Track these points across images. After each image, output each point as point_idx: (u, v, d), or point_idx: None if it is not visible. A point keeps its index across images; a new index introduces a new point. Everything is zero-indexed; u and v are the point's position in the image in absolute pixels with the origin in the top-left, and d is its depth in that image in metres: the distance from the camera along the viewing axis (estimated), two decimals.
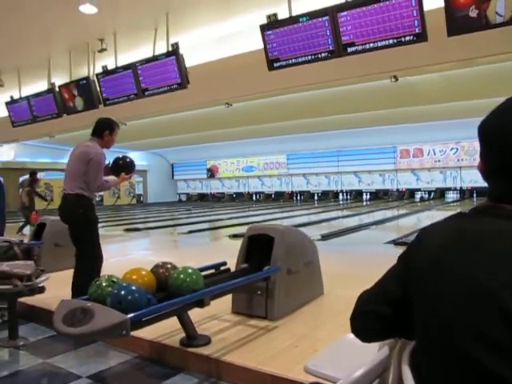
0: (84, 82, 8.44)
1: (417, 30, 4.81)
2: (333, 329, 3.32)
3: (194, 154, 25.20)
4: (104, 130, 4.10)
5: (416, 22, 4.78)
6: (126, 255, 7.52)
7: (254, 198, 26.52)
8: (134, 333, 2.45)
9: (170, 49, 7.05)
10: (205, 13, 6.99)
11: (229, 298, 3.63)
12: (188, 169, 28.11)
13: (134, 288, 2.50)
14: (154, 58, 7.24)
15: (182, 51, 6.98)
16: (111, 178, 4.21)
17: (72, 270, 4.09)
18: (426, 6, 4.76)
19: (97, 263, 3.99)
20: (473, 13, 4.47)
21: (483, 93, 9.95)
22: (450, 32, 4.61)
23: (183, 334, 3.08)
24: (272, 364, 2.74)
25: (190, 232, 10.60)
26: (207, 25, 7.34)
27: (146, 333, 2.94)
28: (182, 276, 2.85)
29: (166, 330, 3.22)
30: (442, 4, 4.61)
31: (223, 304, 3.56)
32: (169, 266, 3.01)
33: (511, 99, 0.96)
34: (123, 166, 4.26)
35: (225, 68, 7.71)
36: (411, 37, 4.87)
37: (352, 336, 1.55)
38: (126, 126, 12.31)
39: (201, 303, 2.87)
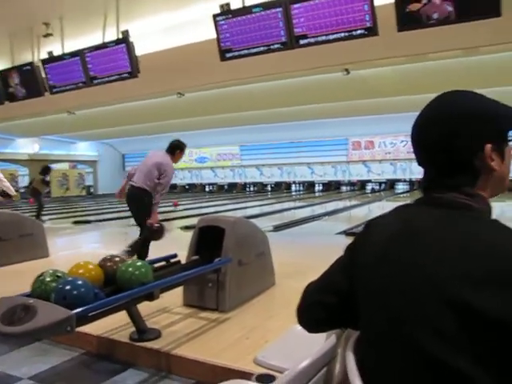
0: (28, 68, 8.02)
1: (368, 24, 4.89)
2: (284, 319, 3.34)
3: (146, 144, 24.62)
4: (176, 150, 5.27)
5: (367, 16, 4.86)
6: (74, 249, 7.28)
7: (206, 189, 26.37)
8: (80, 328, 2.38)
9: (121, 36, 6.84)
10: (157, 0, 6.83)
11: (180, 290, 3.60)
12: (140, 159, 27.46)
13: (79, 282, 2.41)
14: (104, 46, 7.00)
15: (132, 39, 6.78)
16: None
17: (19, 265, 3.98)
18: (377, 1, 4.83)
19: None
20: (422, 9, 4.58)
21: (433, 87, 10.23)
22: (399, 27, 4.71)
23: (133, 329, 3.02)
24: (223, 356, 2.73)
25: None
26: (159, 12, 7.16)
27: (94, 328, 2.85)
28: (130, 269, 2.78)
29: (114, 325, 3.15)
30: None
31: (174, 297, 3.52)
32: (117, 259, 2.94)
33: (430, 103, 1.03)
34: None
35: (177, 57, 7.56)
36: (362, 30, 4.95)
37: (300, 327, 1.55)
38: (74, 115, 11.95)
39: (150, 296, 2.82)
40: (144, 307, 3.04)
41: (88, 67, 7.20)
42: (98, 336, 3.11)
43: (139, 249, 4.87)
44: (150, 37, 7.46)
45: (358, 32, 4.95)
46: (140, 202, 4.98)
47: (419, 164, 1.05)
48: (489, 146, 0.95)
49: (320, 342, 1.33)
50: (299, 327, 1.26)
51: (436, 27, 4.69)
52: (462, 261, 0.83)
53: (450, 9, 4.49)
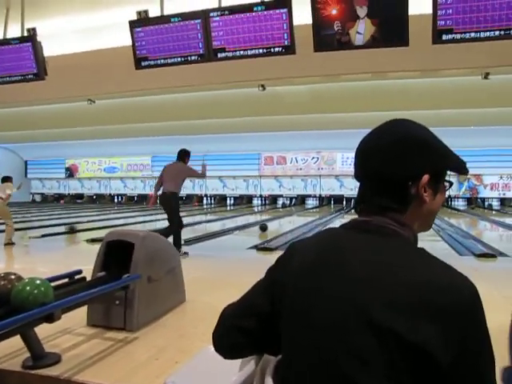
0: None
1: (286, 43, 4.97)
2: (195, 338, 3.25)
3: (52, 151, 23.40)
4: (185, 157, 7.50)
5: (285, 34, 4.94)
6: None
7: (115, 199, 25.46)
8: None
9: (26, 34, 6.38)
10: (70, 0, 6.48)
11: (84, 309, 3.34)
12: (44, 167, 26.00)
13: None
14: (5, 42, 6.48)
15: (40, 38, 6.35)
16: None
17: None
18: (296, 21, 4.95)
19: (178, 227, 7.13)
20: (338, 32, 4.76)
21: (345, 107, 10.77)
22: (316, 48, 4.85)
23: (27, 354, 2.73)
24: (131, 380, 2.56)
25: (44, 236, 9.76)
26: (72, 13, 6.79)
27: None
28: (28, 288, 2.53)
29: (3, 352, 2.78)
30: (310, 20, 4.84)
31: (77, 316, 3.27)
32: (12, 276, 2.66)
33: (373, 130, 1.04)
34: None
35: (90, 62, 7.21)
36: (280, 48, 5.02)
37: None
38: None
39: (50, 318, 2.57)
40: (42, 329, 2.77)
41: None
42: None
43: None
44: (60, 38, 7.04)
45: (276, 49, 5.02)
46: (170, 204, 7.05)
47: (356, 177, 1.04)
48: (426, 177, 0.95)
49: (234, 366, 1.27)
50: (212, 348, 1.20)
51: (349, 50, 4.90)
52: (387, 289, 0.83)
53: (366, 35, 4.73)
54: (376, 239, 0.93)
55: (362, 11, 4.71)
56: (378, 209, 0.97)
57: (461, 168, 1.03)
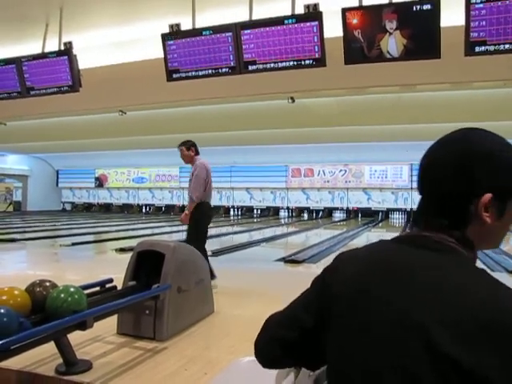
0: None
1: (316, 55, 4.97)
2: (223, 350, 3.24)
3: (82, 161, 23.87)
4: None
5: (316, 47, 4.94)
6: None
7: (143, 210, 25.77)
8: None
9: (63, 47, 6.57)
10: (104, 14, 6.65)
11: (114, 317, 3.38)
12: (74, 176, 26.56)
13: (1, 311, 2.19)
14: (44, 56, 6.69)
15: (75, 52, 6.54)
16: None
17: None
18: (327, 34, 4.96)
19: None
20: (368, 45, 4.76)
21: (371, 120, 10.70)
22: (346, 60, 4.84)
23: (60, 360, 2.77)
24: None
25: (74, 244, 9.92)
26: (106, 27, 6.97)
27: (14, 361, 2.51)
28: (62, 295, 2.57)
29: (39, 357, 2.84)
30: (341, 33, 4.84)
31: (108, 324, 3.30)
32: (47, 284, 2.71)
33: (438, 140, 0.97)
34: None
35: (122, 74, 7.38)
36: (311, 61, 5.03)
37: (245, 360, 1.46)
38: (5, 126, 11.32)
39: (83, 325, 2.61)
40: (74, 336, 2.81)
41: (25, 77, 6.84)
42: (18, 370, 2.76)
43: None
44: (94, 51, 7.23)
45: (307, 62, 5.03)
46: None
47: (419, 191, 0.98)
48: (488, 196, 0.87)
49: (265, 379, 1.25)
50: (244, 360, 1.18)
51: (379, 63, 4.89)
52: (448, 309, 0.78)
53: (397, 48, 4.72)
54: (432, 255, 0.88)
55: (391, 24, 4.70)
56: (436, 224, 0.91)
57: None
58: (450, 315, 0.77)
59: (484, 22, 4.56)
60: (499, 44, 4.54)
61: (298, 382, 1.14)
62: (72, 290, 2.66)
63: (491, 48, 4.57)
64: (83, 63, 6.65)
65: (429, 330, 0.77)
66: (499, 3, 4.43)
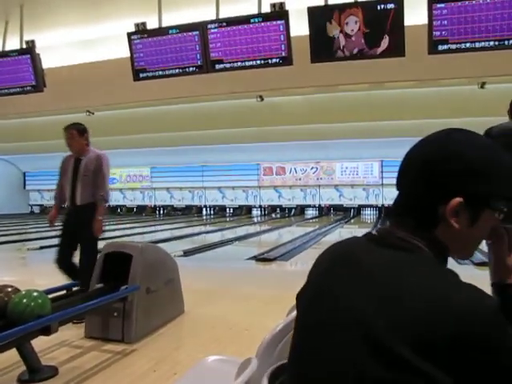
0: None
1: (283, 54, 5.01)
2: (193, 349, 3.24)
3: (51, 162, 23.24)
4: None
5: (283, 46, 4.98)
6: None
7: (117, 211, 25.43)
8: None
9: (25, 46, 6.42)
10: (68, 12, 6.51)
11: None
12: (43, 178, 25.96)
13: None
14: (4, 54, 6.51)
15: (39, 51, 6.39)
16: None
17: None
18: (293, 32, 4.99)
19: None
20: (334, 44, 4.81)
21: (343, 117, 10.81)
22: (313, 59, 4.89)
23: (23, 368, 2.69)
24: None
25: (42, 248, 9.71)
26: (70, 25, 6.84)
27: None
28: (24, 300, 2.52)
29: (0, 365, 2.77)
30: (307, 31, 4.88)
31: (75, 328, 3.26)
32: (9, 289, 2.65)
33: (419, 141, 0.95)
34: None
35: (88, 74, 7.25)
36: (278, 59, 5.06)
37: (212, 359, 1.47)
38: None
39: (47, 330, 2.56)
40: (39, 341, 2.76)
41: None
42: None
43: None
44: (59, 50, 7.09)
45: (274, 61, 5.06)
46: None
47: (396, 187, 0.97)
48: (456, 201, 0.84)
49: (230, 375, 1.26)
50: (211, 358, 1.18)
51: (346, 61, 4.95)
52: (394, 308, 0.76)
53: (362, 46, 4.78)
54: (395, 253, 0.86)
55: (356, 23, 4.76)
56: (404, 222, 0.90)
57: None
58: (395, 314, 0.76)
59: (446, 22, 4.67)
60: (460, 43, 4.66)
61: (253, 378, 1.15)
62: (35, 294, 2.61)
63: (453, 46, 4.69)
64: (47, 63, 6.51)
65: (370, 327, 0.77)
66: (459, 3, 4.55)
